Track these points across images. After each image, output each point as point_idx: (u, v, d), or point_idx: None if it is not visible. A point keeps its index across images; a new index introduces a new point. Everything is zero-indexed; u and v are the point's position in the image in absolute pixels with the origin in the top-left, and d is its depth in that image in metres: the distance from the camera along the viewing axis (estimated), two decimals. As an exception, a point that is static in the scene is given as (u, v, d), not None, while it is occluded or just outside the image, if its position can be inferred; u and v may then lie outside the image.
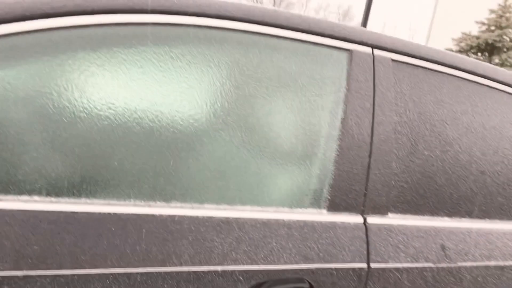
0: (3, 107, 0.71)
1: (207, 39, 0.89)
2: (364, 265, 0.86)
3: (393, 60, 1.06)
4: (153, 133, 0.79)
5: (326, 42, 1.01)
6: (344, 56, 1.02)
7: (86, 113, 0.75)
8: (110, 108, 0.77)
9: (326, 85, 0.98)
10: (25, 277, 0.63)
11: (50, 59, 0.75)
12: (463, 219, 1.03)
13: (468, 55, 9.95)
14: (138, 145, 0.77)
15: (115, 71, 0.79)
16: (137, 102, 0.79)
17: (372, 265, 0.86)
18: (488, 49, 9.62)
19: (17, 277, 0.63)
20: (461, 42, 9.94)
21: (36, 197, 0.69)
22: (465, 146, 1.08)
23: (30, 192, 0.69)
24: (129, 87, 0.80)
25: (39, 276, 0.64)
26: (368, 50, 1.04)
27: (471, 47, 9.80)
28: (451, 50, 10.31)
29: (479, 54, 9.95)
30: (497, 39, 9.36)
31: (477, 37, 9.62)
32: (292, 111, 0.93)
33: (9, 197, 0.67)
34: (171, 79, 0.84)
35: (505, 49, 9.45)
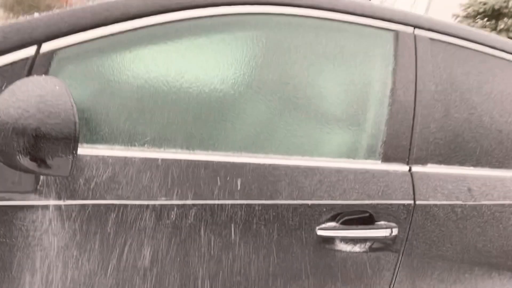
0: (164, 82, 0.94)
1: (286, 25, 1.11)
2: (411, 202, 1.12)
3: (431, 39, 1.28)
4: (257, 100, 1.02)
5: (375, 24, 1.22)
6: (391, 35, 1.23)
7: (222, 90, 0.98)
8: (236, 84, 1.00)
9: (378, 60, 1.21)
10: (183, 205, 0.89)
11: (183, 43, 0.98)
12: (485, 168, 1.28)
13: (475, 21, 9.97)
14: (246, 111, 1.01)
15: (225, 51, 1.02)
16: (240, 79, 1.02)
17: (417, 202, 1.12)
18: (494, 15, 9.65)
19: (178, 204, 0.89)
20: (468, 7, 9.94)
21: (186, 150, 0.94)
22: (486, 109, 1.32)
23: (179, 146, 0.94)
24: (234, 63, 1.03)
25: (194, 204, 0.90)
26: (410, 30, 1.25)
27: (478, 13, 9.81)
28: (458, 16, 10.30)
29: (486, 20, 9.98)
30: (504, 5, 9.37)
31: (484, 3, 9.62)
32: (352, 82, 1.16)
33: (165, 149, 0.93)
34: (263, 59, 1.06)
35: (511, 15, 9.49)
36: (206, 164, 0.94)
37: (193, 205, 0.90)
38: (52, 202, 0.82)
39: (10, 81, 0.85)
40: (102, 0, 0.95)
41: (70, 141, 0.67)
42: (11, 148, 0.66)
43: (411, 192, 1.13)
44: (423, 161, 1.19)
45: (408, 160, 1.17)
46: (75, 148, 0.68)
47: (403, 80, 1.20)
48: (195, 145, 0.96)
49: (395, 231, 1.09)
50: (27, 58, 0.87)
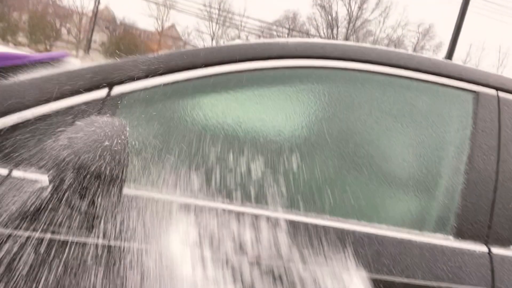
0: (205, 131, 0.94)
1: (352, 80, 1.06)
2: (489, 290, 0.95)
3: (518, 103, 1.14)
4: (315, 155, 0.97)
5: (452, 83, 1.12)
6: (470, 97, 1.12)
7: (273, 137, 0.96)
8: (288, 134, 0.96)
9: (454, 123, 1.10)
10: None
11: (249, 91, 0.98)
12: None
13: None
14: (301, 165, 0.96)
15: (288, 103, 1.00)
16: (300, 133, 0.99)
17: (497, 291, 0.95)
18: None
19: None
20: None
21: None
22: None
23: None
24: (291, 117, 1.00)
25: None
26: (493, 92, 1.13)
27: None
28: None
29: None
30: None
31: None
32: (422, 145, 1.06)
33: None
34: (324, 113, 1.02)
35: None
36: (243, 215, 0.89)
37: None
38: (100, 241, 0.82)
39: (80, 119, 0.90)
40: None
41: (116, 181, 0.68)
42: (64, 185, 0.68)
43: (490, 278, 0.96)
44: (505, 243, 1.01)
45: (486, 239, 1.01)
46: (121, 189, 0.68)
47: (483, 146, 1.07)
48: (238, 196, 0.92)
49: (468, 324, 0.92)
50: (99, 99, 0.92)
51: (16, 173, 0.84)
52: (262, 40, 1.09)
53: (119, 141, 0.71)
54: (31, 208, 0.80)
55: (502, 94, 1.14)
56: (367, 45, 1.16)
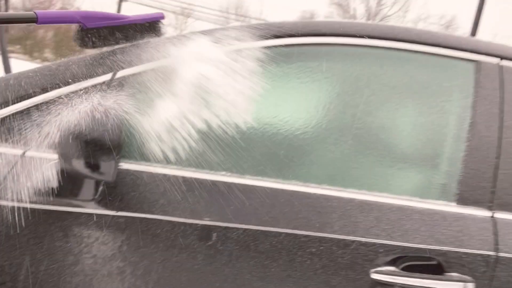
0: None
1: (352, 55, 1.09)
2: (492, 253, 0.94)
3: (521, 70, 1.13)
4: (315, 128, 0.99)
5: (452, 54, 1.12)
6: (471, 66, 1.12)
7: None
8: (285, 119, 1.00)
9: (454, 92, 1.10)
10: (226, 227, 0.88)
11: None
12: None
13: None
14: (301, 139, 0.99)
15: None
16: (308, 105, 1.02)
17: (500, 254, 0.94)
18: None
19: (221, 226, 0.88)
20: None
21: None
22: None
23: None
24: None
25: (236, 228, 0.88)
26: (495, 60, 1.13)
27: None
28: None
29: None
30: None
31: None
32: (423, 115, 1.07)
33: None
34: (327, 88, 1.05)
35: None
36: (253, 189, 0.93)
37: (236, 228, 0.89)
38: (105, 211, 0.88)
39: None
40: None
41: (114, 148, 0.73)
42: (70, 153, 0.74)
43: (493, 242, 0.95)
44: (510, 208, 1.01)
45: (490, 204, 1.00)
46: (118, 155, 0.74)
47: (485, 113, 1.06)
48: (244, 169, 0.96)
49: (470, 287, 0.92)
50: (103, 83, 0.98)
51: (29, 153, 0.91)
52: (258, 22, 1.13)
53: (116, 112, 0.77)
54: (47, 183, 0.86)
55: (504, 63, 1.14)
56: (366, 22, 1.18)
